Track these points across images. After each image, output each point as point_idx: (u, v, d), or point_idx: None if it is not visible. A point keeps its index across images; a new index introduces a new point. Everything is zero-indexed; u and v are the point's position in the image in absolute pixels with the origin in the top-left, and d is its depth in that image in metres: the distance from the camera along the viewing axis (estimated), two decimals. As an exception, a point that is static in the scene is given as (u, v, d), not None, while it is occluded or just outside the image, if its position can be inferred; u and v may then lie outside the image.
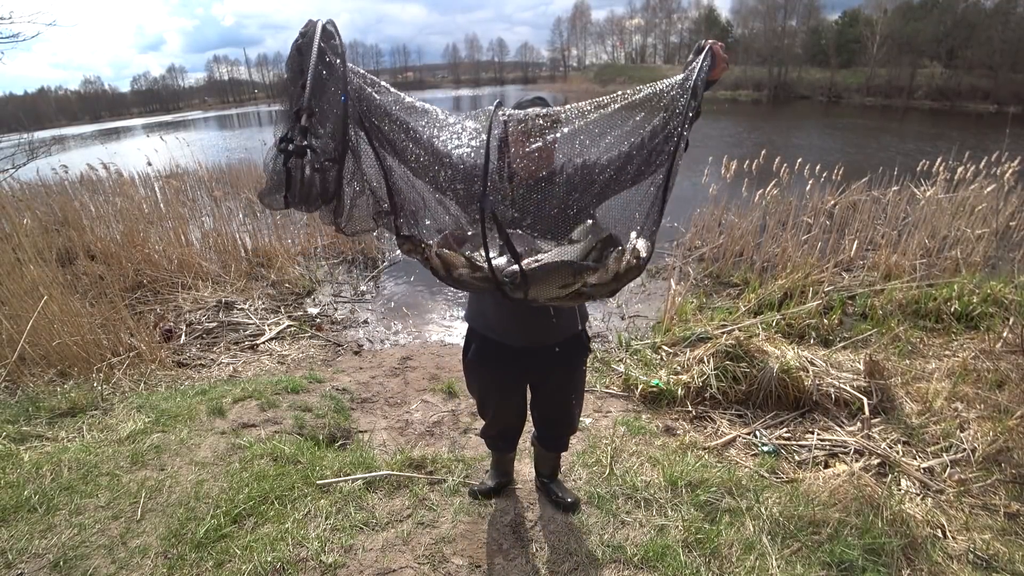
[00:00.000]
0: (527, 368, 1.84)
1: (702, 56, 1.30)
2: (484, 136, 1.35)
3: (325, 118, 1.26)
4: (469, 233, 1.48)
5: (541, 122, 1.41)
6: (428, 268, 1.43)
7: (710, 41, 1.32)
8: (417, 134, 1.44)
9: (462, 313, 2.02)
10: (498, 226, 1.30)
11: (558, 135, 1.41)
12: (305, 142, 1.21)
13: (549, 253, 1.34)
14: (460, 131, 1.44)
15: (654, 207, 1.32)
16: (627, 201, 1.43)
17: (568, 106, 1.39)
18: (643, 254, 1.28)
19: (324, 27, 1.28)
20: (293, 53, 1.29)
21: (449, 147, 1.45)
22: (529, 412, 2.08)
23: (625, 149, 1.42)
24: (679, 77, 1.33)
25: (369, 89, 1.38)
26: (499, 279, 1.30)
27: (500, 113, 1.42)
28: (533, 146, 1.44)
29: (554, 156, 1.52)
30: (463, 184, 1.45)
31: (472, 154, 1.42)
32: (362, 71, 1.40)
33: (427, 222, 1.50)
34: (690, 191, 7.10)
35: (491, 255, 1.29)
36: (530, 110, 1.42)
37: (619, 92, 1.36)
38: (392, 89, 1.43)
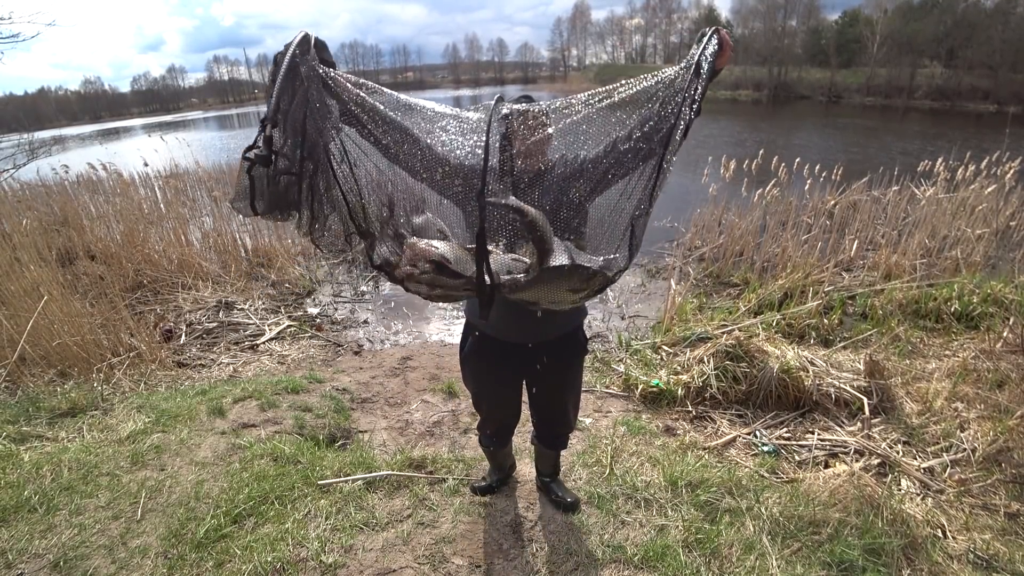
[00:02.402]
0: (523, 365, 1.84)
1: (707, 38, 1.27)
2: (483, 133, 1.31)
3: (292, 129, 1.29)
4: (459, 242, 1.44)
5: (543, 119, 1.40)
6: (408, 290, 1.40)
7: (716, 27, 1.30)
8: (411, 133, 1.41)
9: (462, 313, 2.01)
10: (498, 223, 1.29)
11: (560, 125, 1.39)
12: (266, 151, 1.24)
13: (562, 253, 1.29)
14: (458, 127, 1.39)
15: (647, 189, 1.29)
16: (622, 189, 1.38)
17: (574, 97, 1.35)
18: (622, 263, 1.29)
19: (304, 38, 1.30)
20: (272, 65, 1.31)
21: (446, 145, 1.40)
22: (528, 411, 2.08)
23: (624, 135, 1.37)
24: (682, 64, 1.29)
25: (356, 92, 1.36)
26: (495, 280, 1.27)
27: (501, 107, 1.37)
28: (533, 139, 1.42)
29: (548, 149, 1.49)
30: (461, 182, 1.41)
31: (470, 153, 1.38)
32: (352, 77, 1.38)
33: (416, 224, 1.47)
34: (690, 191, 7.09)
35: (492, 253, 1.27)
36: (533, 105, 1.41)
37: (624, 80, 1.32)
38: (385, 90, 1.41)
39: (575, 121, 1.37)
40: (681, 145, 1.30)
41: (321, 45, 1.36)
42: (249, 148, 1.26)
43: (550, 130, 1.42)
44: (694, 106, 1.27)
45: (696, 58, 1.25)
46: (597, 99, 1.34)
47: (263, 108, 1.34)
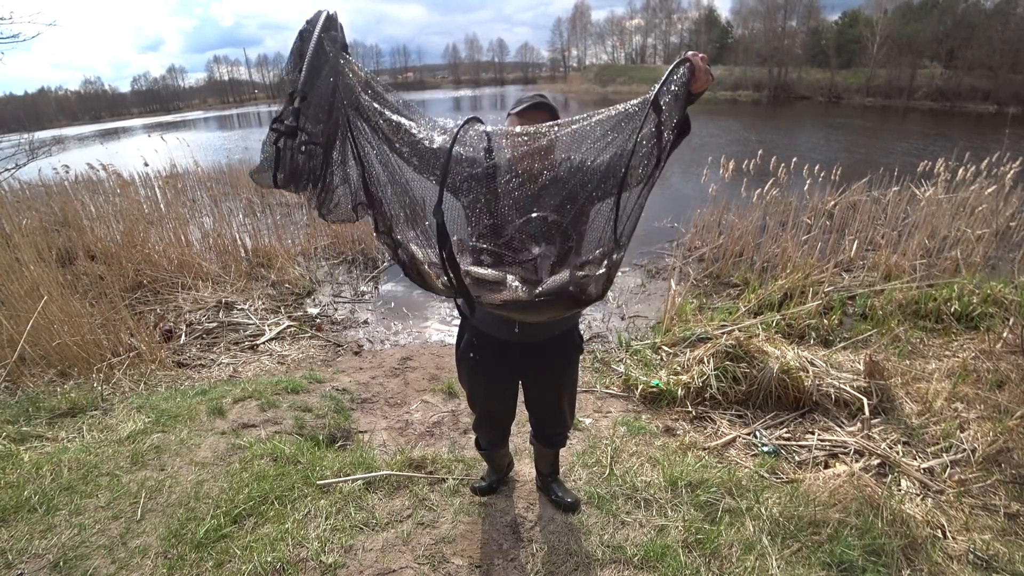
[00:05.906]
0: (519, 364, 1.85)
1: (672, 66, 1.27)
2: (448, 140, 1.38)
3: (317, 103, 1.34)
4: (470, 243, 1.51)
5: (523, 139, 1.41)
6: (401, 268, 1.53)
7: (691, 53, 1.29)
8: (402, 138, 1.46)
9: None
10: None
11: (544, 142, 1.41)
12: (295, 123, 1.29)
13: (556, 280, 1.37)
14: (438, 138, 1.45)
15: (629, 221, 1.33)
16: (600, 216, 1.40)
17: (544, 126, 1.39)
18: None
19: (328, 16, 1.36)
20: (296, 39, 1.36)
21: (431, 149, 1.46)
22: (525, 410, 2.08)
23: (603, 161, 1.39)
24: (642, 98, 1.30)
25: (359, 90, 1.43)
26: (470, 296, 1.40)
27: (478, 127, 1.44)
28: (530, 147, 1.44)
29: (548, 158, 1.50)
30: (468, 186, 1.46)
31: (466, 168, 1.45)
32: (364, 70, 1.45)
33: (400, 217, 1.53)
34: (690, 191, 7.10)
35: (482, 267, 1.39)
36: (515, 129, 1.44)
37: (587, 113, 1.35)
38: (385, 96, 1.48)
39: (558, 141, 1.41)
40: (661, 172, 1.33)
41: (339, 25, 1.42)
42: (276, 120, 1.31)
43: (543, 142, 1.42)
44: (666, 132, 1.28)
45: (653, 95, 1.26)
46: (557, 129, 1.37)
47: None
